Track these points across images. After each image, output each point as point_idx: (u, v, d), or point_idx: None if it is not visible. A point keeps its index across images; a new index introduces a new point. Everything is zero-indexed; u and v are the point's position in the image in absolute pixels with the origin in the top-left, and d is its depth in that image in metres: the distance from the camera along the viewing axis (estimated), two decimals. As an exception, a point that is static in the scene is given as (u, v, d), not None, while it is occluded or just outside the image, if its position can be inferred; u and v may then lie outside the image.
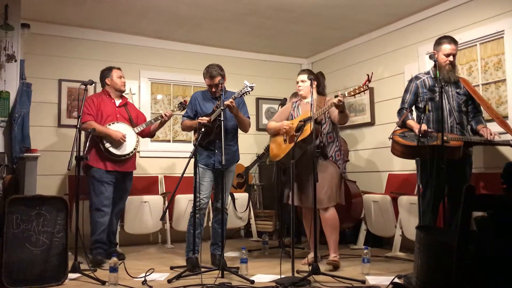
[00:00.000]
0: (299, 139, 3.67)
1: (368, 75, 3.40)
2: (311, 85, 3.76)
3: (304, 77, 4.01)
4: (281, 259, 3.51)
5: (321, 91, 4.08)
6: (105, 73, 4.42)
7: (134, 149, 4.30)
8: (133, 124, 4.37)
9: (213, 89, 3.95)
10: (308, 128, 3.61)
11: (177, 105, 4.38)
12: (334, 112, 3.74)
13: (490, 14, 4.27)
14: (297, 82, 4.06)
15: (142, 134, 4.53)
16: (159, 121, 4.40)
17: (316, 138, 3.74)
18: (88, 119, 4.17)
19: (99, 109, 4.27)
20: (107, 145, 4.16)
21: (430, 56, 3.67)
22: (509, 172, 2.00)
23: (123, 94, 4.50)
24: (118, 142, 4.17)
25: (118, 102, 4.41)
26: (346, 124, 5.59)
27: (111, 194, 4.22)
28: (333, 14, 5.01)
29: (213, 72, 3.90)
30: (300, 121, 3.78)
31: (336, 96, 3.51)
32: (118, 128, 4.24)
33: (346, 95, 3.46)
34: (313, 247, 3.64)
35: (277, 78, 6.59)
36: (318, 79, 4.05)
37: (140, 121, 4.47)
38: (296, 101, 4.17)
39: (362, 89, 3.41)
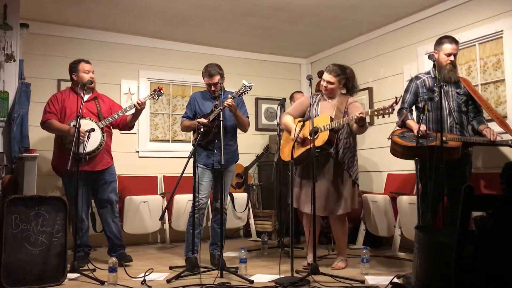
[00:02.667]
0: (303, 149, 3.62)
1: (396, 97, 3.23)
2: (310, 84, 3.60)
3: (330, 77, 3.72)
4: (280, 259, 3.51)
5: (350, 88, 3.83)
6: (72, 67, 4.12)
7: (100, 145, 3.94)
8: (101, 119, 4.04)
9: (212, 88, 3.94)
10: (322, 135, 3.52)
11: (150, 94, 4.16)
12: (353, 123, 3.56)
13: (489, 14, 4.27)
14: (323, 80, 3.78)
15: (119, 127, 4.25)
16: (133, 112, 4.11)
17: (331, 146, 3.62)
18: (48, 117, 3.94)
19: (62, 107, 4.00)
20: (68, 145, 3.83)
21: (429, 56, 3.66)
22: (509, 172, 2.00)
23: (93, 87, 4.14)
24: (82, 139, 3.75)
25: (86, 96, 4.04)
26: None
27: (84, 197, 3.91)
28: (332, 14, 5.01)
29: (212, 71, 3.90)
30: (299, 120, 3.67)
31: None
32: (81, 124, 3.80)
33: (370, 113, 3.33)
34: (311, 250, 3.64)
35: (276, 78, 6.59)
36: (347, 78, 3.78)
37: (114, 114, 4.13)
38: (317, 95, 3.92)
39: (387, 111, 3.22)
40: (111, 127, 4.23)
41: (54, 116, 3.98)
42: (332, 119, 3.58)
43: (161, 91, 4.16)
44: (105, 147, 4.04)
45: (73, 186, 3.69)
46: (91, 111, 4.06)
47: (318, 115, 3.77)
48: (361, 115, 3.32)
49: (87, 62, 4.15)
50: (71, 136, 3.72)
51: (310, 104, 3.55)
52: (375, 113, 3.28)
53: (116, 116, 4.04)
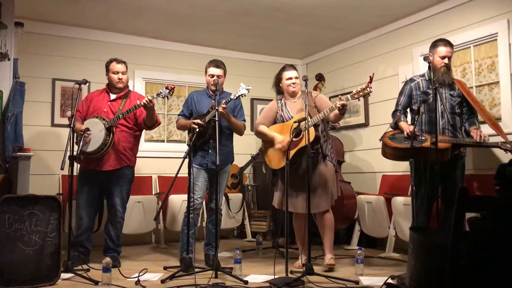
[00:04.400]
0: (294, 150, 3.62)
1: (370, 76, 3.35)
2: (306, 85, 3.65)
3: (296, 73, 3.89)
4: (275, 259, 3.51)
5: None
6: (105, 66, 4.12)
7: (104, 145, 3.85)
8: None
9: (214, 80, 3.87)
10: (310, 132, 3.53)
11: (158, 93, 3.86)
12: (331, 113, 3.63)
13: (484, 17, 4.29)
14: (289, 78, 3.86)
15: (142, 127, 4.14)
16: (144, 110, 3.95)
17: (318, 142, 3.69)
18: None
19: (89, 105, 4.07)
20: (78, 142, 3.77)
21: (425, 58, 3.69)
22: (503, 174, 2.01)
23: (121, 87, 4.10)
24: (83, 139, 3.77)
25: (114, 96, 4.08)
26: (340, 125, 5.68)
27: (87, 195, 3.96)
28: (329, 15, 5.02)
29: (218, 63, 3.99)
30: (295, 122, 3.69)
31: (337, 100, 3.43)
32: (89, 123, 3.90)
33: (350, 98, 3.39)
34: (304, 251, 3.63)
35: (272, 78, 6.52)
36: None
37: (138, 113, 4.05)
38: (281, 99, 4.00)
39: (366, 91, 3.34)
40: (136, 127, 4.10)
41: (77, 113, 3.99)
42: (311, 116, 3.62)
43: (172, 89, 3.89)
44: (115, 147, 3.94)
45: (78, 181, 3.93)
46: (112, 110, 4.02)
47: (292, 116, 3.82)
48: (343, 102, 3.39)
49: (119, 62, 4.09)
50: (77, 134, 3.77)
51: (305, 105, 3.54)
52: (355, 96, 3.39)
53: (121, 116, 3.91)
